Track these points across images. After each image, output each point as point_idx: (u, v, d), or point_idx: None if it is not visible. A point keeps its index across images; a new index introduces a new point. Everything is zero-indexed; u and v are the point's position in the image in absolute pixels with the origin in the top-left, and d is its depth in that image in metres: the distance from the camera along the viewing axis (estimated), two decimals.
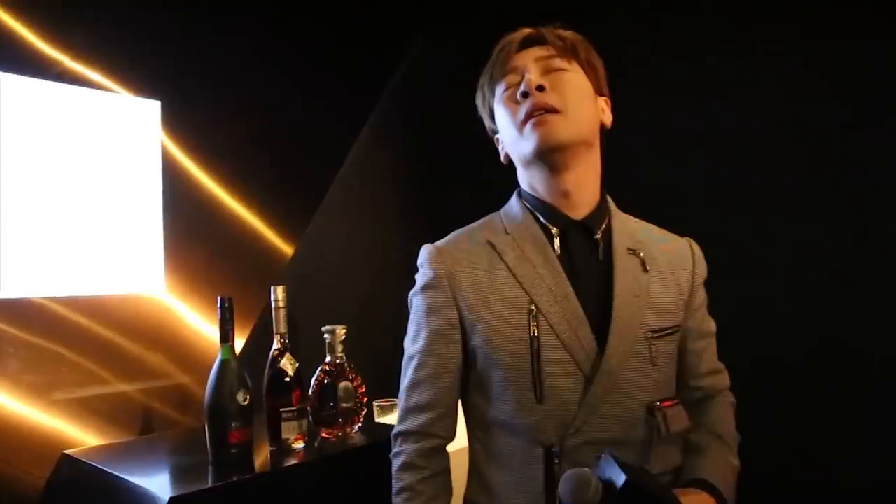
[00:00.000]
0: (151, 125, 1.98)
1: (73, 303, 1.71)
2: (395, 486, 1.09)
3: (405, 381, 1.12)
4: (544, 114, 1.04)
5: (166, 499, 1.17)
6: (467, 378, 1.12)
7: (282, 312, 1.48)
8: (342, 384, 1.54)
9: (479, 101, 1.20)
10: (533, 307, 1.03)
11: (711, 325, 1.18)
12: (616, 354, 1.02)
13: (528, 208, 1.13)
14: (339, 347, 1.56)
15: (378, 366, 1.72)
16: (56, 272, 1.69)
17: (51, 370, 1.64)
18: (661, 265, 1.12)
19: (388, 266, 2.51)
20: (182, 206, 2.03)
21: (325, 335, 1.56)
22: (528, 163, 1.10)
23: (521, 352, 1.02)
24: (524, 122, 1.06)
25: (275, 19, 2.35)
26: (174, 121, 2.02)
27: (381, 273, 2.52)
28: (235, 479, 1.28)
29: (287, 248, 2.31)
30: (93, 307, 1.75)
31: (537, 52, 1.09)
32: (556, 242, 1.08)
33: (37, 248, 1.67)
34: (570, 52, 1.09)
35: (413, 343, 1.12)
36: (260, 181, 2.24)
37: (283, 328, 1.48)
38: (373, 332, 2.04)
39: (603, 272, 1.08)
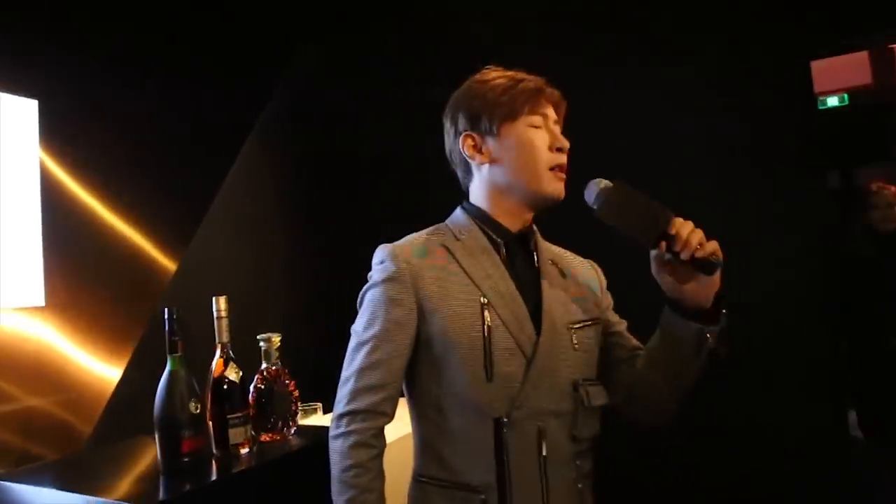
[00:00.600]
0: (29, 125, 1.89)
1: None
2: (343, 463, 1.19)
3: (356, 364, 1.22)
4: (563, 174, 1.28)
5: None
6: (416, 366, 1.25)
7: (224, 322, 1.52)
8: (278, 389, 1.61)
9: (468, 102, 1.31)
10: (484, 300, 1.22)
11: (620, 321, 1.44)
12: (548, 341, 1.24)
13: (475, 221, 1.32)
14: (275, 354, 1.62)
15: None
16: None
17: None
18: (574, 275, 1.38)
19: (275, 274, 2.55)
20: (60, 215, 1.95)
21: (262, 343, 1.62)
22: (526, 196, 1.28)
23: (475, 339, 1.21)
24: (553, 169, 1.26)
25: (159, 24, 2.30)
26: (51, 122, 1.93)
27: (268, 279, 2.55)
28: (216, 479, 1.33)
29: (170, 264, 2.27)
30: None
31: (553, 112, 1.31)
32: (503, 251, 1.29)
33: None
34: (561, 124, 1.32)
35: (367, 330, 1.23)
36: (141, 191, 2.18)
37: (225, 337, 1.52)
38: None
39: (535, 277, 1.31)
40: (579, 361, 1.28)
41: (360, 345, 1.23)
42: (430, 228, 1.35)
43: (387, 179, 2.77)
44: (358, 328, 1.26)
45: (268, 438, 1.59)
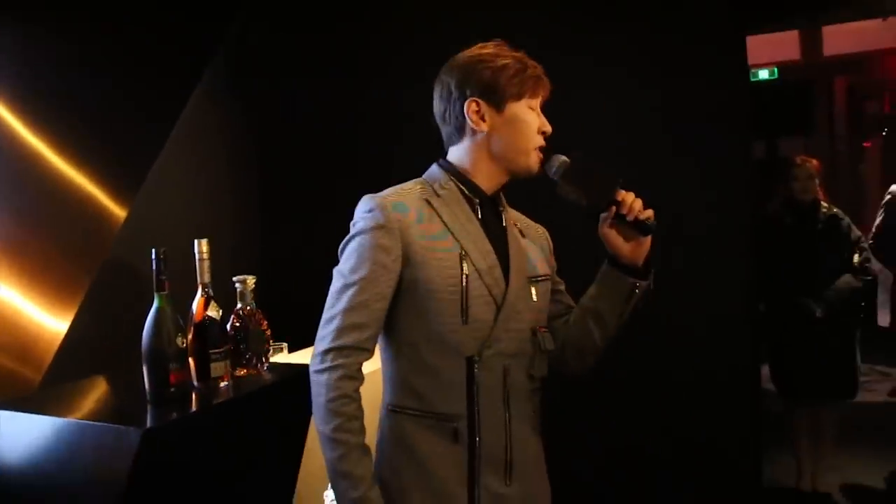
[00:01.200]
0: None
1: None
2: (329, 394, 1.31)
3: (342, 304, 1.33)
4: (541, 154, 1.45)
5: (140, 432, 1.30)
6: (396, 308, 1.38)
7: (205, 264, 1.62)
8: (253, 328, 1.72)
9: (475, 73, 1.41)
10: (463, 252, 1.37)
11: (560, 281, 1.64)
12: (514, 291, 1.41)
13: (452, 179, 1.45)
14: (250, 296, 1.72)
15: None
16: None
17: None
18: (531, 236, 1.57)
19: (223, 232, 2.55)
20: (5, 158, 1.90)
21: (237, 284, 1.72)
22: (511, 166, 1.44)
23: (454, 286, 1.35)
24: (536, 149, 1.44)
25: None
26: None
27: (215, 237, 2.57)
28: (198, 409, 1.45)
29: (119, 210, 2.22)
30: None
31: (545, 96, 1.46)
32: (477, 208, 1.44)
33: None
34: None
35: (353, 273, 1.33)
36: (89, 134, 2.12)
37: (206, 278, 1.62)
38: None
39: (503, 235, 1.47)
40: (537, 311, 1.47)
41: (347, 286, 1.33)
42: (411, 182, 1.46)
43: (343, 127, 2.85)
44: (344, 270, 1.35)
45: (243, 373, 1.70)
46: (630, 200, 1.39)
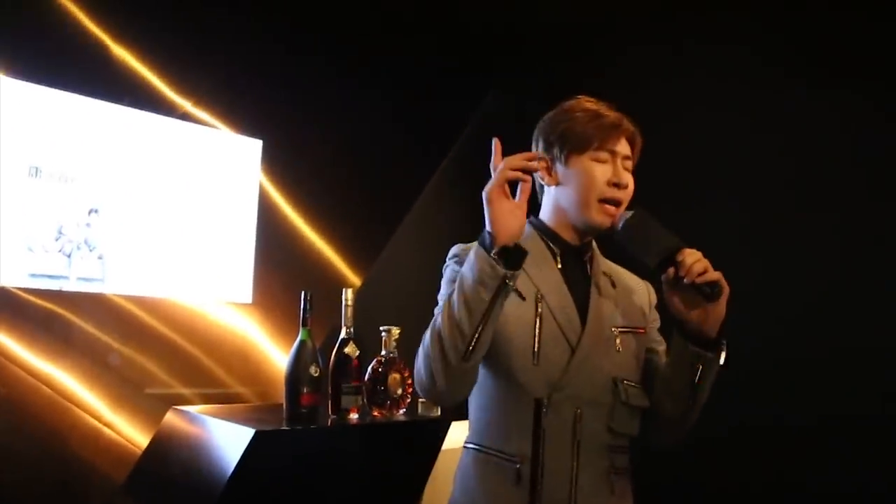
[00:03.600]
0: (253, 160, 2.45)
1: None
2: (430, 332, 1.29)
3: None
4: (616, 208, 1.42)
5: (253, 431, 1.54)
6: None
7: (350, 310, 1.87)
8: (392, 374, 1.90)
9: (547, 129, 1.48)
10: (539, 295, 1.39)
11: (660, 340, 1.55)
12: (592, 335, 1.38)
13: (537, 232, 1.49)
14: (393, 343, 1.92)
15: None
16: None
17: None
18: (626, 288, 1.51)
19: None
20: (271, 229, 2.46)
21: (382, 333, 1.93)
22: (576, 219, 1.43)
23: (527, 326, 1.37)
24: (602, 202, 1.40)
25: (362, 69, 2.78)
26: (272, 157, 2.47)
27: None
28: (300, 427, 1.65)
29: (356, 279, 2.69)
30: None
31: (625, 148, 1.44)
32: (558, 258, 1.46)
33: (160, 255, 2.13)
34: (634, 159, 1.47)
35: (442, 299, 1.38)
36: (338, 216, 2.65)
37: (349, 321, 1.87)
38: None
39: (587, 284, 1.46)
40: (621, 362, 1.41)
41: (435, 310, 1.39)
42: None
43: None
44: (441, 297, 1.43)
45: (377, 414, 1.87)
46: (690, 262, 1.29)
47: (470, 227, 3.11)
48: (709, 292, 1.28)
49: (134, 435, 2.08)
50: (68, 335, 2.03)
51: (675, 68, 2.63)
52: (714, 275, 1.29)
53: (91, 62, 2.12)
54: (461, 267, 1.36)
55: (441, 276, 1.46)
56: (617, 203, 1.41)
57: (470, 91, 3.17)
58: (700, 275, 1.28)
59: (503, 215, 1.24)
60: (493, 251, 1.22)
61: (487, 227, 1.24)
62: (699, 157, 2.47)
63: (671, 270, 1.31)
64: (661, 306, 1.45)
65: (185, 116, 2.31)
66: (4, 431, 1.90)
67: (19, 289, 1.96)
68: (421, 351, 1.32)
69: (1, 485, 1.87)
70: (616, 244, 1.38)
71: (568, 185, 1.44)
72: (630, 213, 1.37)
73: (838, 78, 2.25)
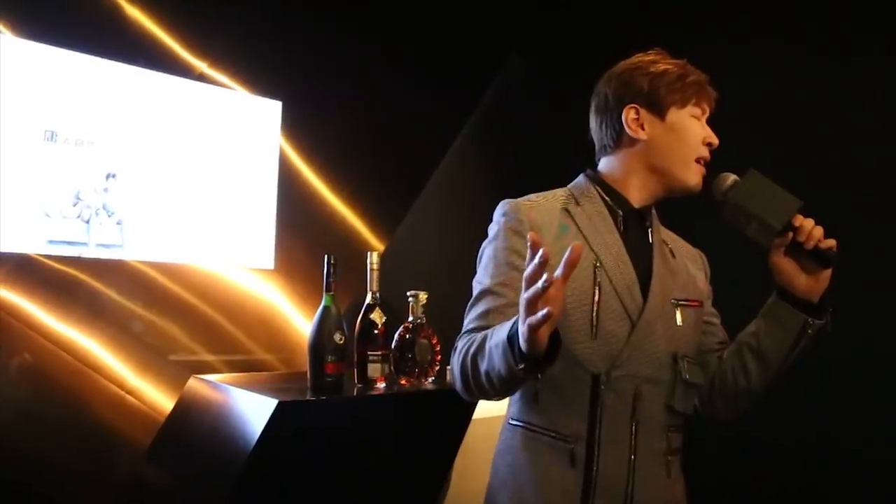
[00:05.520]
0: (273, 122, 2.37)
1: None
2: (461, 360, 1.23)
3: (479, 309, 1.27)
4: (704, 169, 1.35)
5: (276, 402, 1.49)
6: None
7: (375, 273, 1.80)
8: (420, 341, 1.83)
9: (636, 77, 1.35)
10: (598, 263, 1.29)
11: (716, 313, 1.48)
12: (653, 309, 1.29)
13: (597, 189, 1.38)
14: (420, 309, 1.85)
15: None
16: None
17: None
18: (684, 258, 1.43)
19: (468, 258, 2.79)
20: (292, 195, 2.39)
21: (409, 298, 1.87)
22: (668, 179, 1.35)
23: (585, 297, 1.27)
24: (699, 160, 1.34)
25: (382, 36, 2.67)
26: (292, 119, 2.40)
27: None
28: (325, 397, 1.60)
29: (378, 244, 2.62)
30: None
31: (710, 106, 1.37)
32: (620, 221, 1.35)
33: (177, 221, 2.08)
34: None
35: (491, 278, 1.28)
36: (360, 180, 2.58)
37: (375, 286, 1.80)
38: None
39: (648, 251, 1.35)
40: (681, 337, 1.33)
41: (484, 293, 1.28)
42: (552, 191, 1.40)
43: None
44: (481, 278, 1.31)
45: (405, 383, 1.82)
46: (810, 226, 1.25)
47: (493, 190, 3.05)
48: (826, 259, 1.25)
49: (158, 401, 2.05)
50: (89, 302, 1.99)
51: (704, 40, 2.48)
52: (831, 241, 1.25)
53: (105, 22, 2.05)
54: (504, 242, 1.30)
55: (486, 236, 1.36)
56: (706, 163, 1.35)
57: (492, 54, 3.06)
58: (820, 240, 1.25)
59: (540, 341, 1.04)
60: (520, 366, 1.08)
61: (520, 337, 1.05)
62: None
63: (789, 235, 1.26)
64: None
65: (202, 77, 2.23)
66: (28, 399, 1.87)
67: (38, 255, 1.92)
68: (456, 365, 1.26)
69: (25, 451, 1.85)
70: (722, 208, 1.31)
71: (664, 139, 1.33)
72: (733, 177, 1.31)
73: None
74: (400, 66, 2.72)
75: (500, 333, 1.12)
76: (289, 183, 2.41)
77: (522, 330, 1.02)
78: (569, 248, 1.01)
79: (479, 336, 1.21)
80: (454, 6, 2.85)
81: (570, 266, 1.01)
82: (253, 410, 1.54)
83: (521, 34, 3.06)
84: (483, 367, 1.17)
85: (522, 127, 3.02)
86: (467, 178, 2.94)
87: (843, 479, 2.06)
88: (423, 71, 2.79)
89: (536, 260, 0.99)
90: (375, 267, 1.80)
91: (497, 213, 1.36)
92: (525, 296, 1.00)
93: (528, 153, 2.98)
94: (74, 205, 2.00)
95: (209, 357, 2.19)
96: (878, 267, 1.98)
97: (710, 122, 1.37)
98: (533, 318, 0.98)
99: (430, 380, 1.85)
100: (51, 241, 1.95)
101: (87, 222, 2.01)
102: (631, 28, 2.65)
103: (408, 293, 1.87)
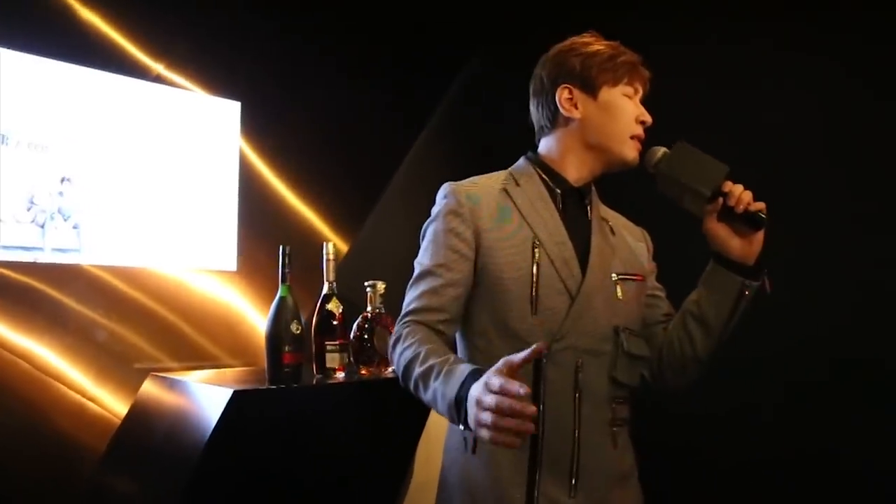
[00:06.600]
0: (232, 123, 2.37)
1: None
2: (398, 360, 1.28)
3: (418, 291, 1.32)
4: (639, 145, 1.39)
5: (231, 391, 1.48)
6: (470, 297, 1.35)
7: (331, 264, 1.80)
8: (379, 330, 1.83)
9: (569, 57, 1.39)
10: (536, 241, 1.32)
11: (660, 287, 1.51)
12: (592, 283, 1.32)
13: (536, 170, 1.42)
14: (379, 299, 1.85)
15: None
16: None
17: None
18: (624, 234, 1.46)
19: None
20: (253, 196, 2.38)
21: (367, 289, 1.86)
22: (604, 156, 1.39)
23: (524, 274, 1.30)
24: (633, 137, 1.38)
25: (341, 35, 2.68)
26: (252, 120, 2.39)
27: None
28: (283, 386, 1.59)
29: (342, 245, 2.60)
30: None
31: (644, 89, 1.42)
32: (559, 200, 1.39)
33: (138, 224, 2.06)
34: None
35: (430, 259, 1.33)
36: (322, 180, 2.56)
37: (332, 276, 1.80)
38: None
39: (586, 228, 1.39)
40: (622, 310, 1.36)
41: (424, 274, 1.33)
42: (494, 173, 1.45)
43: None
44: (422, 259, 1.35)
45: (364, 372, 1.81)
46: (739, 191, 1.29)
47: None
48: (759, 221, 1.28)
49: (119, 408, 2.02)
50: (45, 308, 1.96)
51: (666, 39, 2.51)
52: (760, 203, 1.29)
53: (59, 24, 2.03)
54: (443, 224, 1.34)
55: (429, 215, 1.40)
56: (641, 140, 1.39)
57: (452, 55, 3.08)
58: (749, 203, 1.28)
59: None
60: (463, 428, 1.14)
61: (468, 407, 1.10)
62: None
63: (719, 200, 1.30)
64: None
65: (160, 79, 2.22)
66: None
67: None
68: (398, 364, 1.29)
69: None
70: (655, 181, 1.35)
71: (597, 118, 1.37)
72: (663, 149, 1.35)
73: None
74: (360, 64, 2.72)
75: (447, 385, 1.15)
76: (249, 184, 2.40)
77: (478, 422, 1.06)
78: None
79: (423, 351, 1.23)
80: (414, 5, 2.86)
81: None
82: (209, 403, 1.53)
83: (483, 32, 3.08)
84: (425, 397, 1.22)
85: (483, 125, 3.03)
86: (429, 175, 2.91)
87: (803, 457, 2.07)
88: (384, 69, 2.80)
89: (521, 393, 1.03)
90: (332, 257, 1.80)
91: (439, 195, 1.41)
92: (498, 407, 1.03)
93: (488, 150, 2.98)
94: (28, 209, 1.97)
95: (172, 364, 2.16)
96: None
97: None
98: (499, 438, 1.03)
99: (390, 369, 1.84)
100: (4, 247, 1.92)
101: (43, 227, 1.99)
102: (594, 26, 2.68)
103: (365, 283, 1.87)
